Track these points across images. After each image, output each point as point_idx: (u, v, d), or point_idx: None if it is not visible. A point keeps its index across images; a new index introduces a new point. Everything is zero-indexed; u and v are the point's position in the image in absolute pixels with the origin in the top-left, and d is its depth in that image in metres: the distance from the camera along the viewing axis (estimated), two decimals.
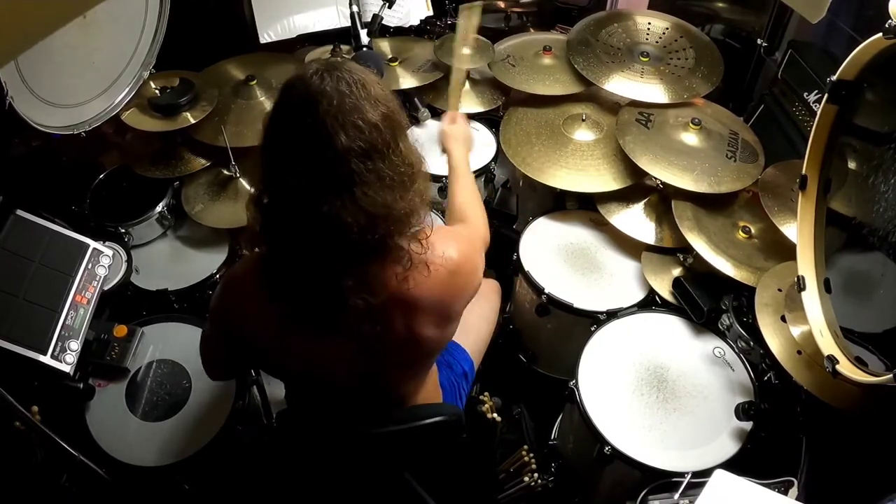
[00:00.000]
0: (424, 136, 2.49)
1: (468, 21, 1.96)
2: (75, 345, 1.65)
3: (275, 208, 1.09)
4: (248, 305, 1.19)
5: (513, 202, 2.61)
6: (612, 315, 1.92)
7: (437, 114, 2.54)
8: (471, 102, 2.51)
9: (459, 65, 1.87)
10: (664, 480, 1.54)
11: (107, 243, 1.91)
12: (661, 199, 2.11)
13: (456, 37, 1.91)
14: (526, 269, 2.06)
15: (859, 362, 1.39)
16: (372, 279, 1.09)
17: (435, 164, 2.29)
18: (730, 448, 1.59)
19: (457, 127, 1.75)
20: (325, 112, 0.99)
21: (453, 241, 1.23)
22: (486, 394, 1.90)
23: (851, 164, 1.60)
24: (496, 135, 2.44)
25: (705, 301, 1.83)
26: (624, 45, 2.41)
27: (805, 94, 2.11)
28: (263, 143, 1.08)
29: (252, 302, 1.17)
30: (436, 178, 2.31)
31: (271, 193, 1.09)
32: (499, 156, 2.41)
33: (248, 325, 1.22)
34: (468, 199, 1.55)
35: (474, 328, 1.78)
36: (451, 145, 1.68)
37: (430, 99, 2.51)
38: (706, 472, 1.44)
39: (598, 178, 2.15)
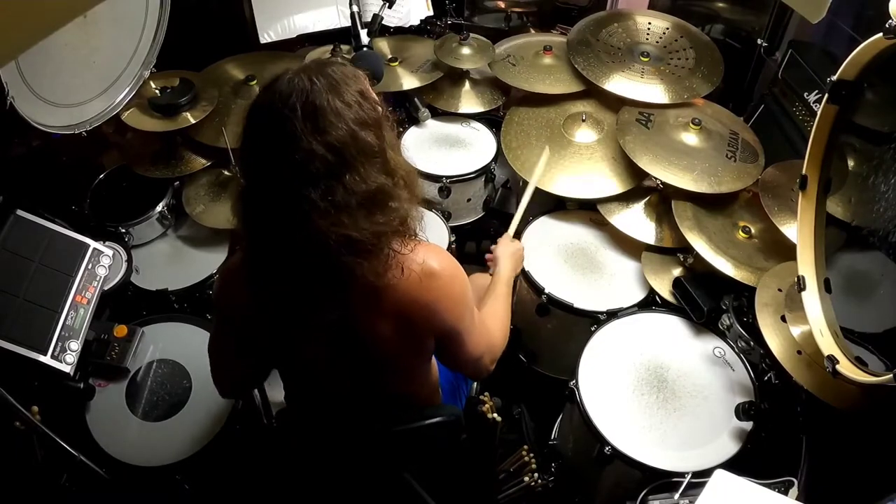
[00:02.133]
0: (424, 136, 2.50)
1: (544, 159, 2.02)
2: (75, 345, 1.65)
3: (243, 208, 1.12)
4: (237, 295, 1.21)
5: (513, 202, 2.62)
6: (612, 315, 1.92)
7: (436, 114, 2.55)
8: (471, 102, 2.51)
9: (530, 187, 1.96)
10: (664, 480, 1.54)
11: (107, 243, 1.91)
12: (661, 199, 2.11)
13: (539, 165, 1.99)
14: (526, 268, 2.06)
15: (859, 362, 1.39)
16: (331, 290, 1.10)
17: (432, 163, 2.34)
18: (730, 448, 1.59)
19: (514, 245, 1.76)
20: (266, 137, 1.01)
21: (437, 256, 1.20)
22: (486, 394, 1.90)
23: (851, 164, 1.60)
24: (496, 135, 2.44)
25: (705, 301, 1.83)
26: (624, 45, 2.41)
27: (805, 94, 2.11)
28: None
29: (241, 291, 1.19)
30: (435, 178, 2.31)
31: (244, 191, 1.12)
32: (499, 156, 2.41)
33: (244, 311, 1.24)
34: (496, 310, 1.52)
35: None
36: (502, 260, 1.68)
37: (429, 99, 2.51)
38: (706, 472, 1.44)
39: (598, 181, 2.16)
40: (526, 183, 2.21)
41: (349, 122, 1.00)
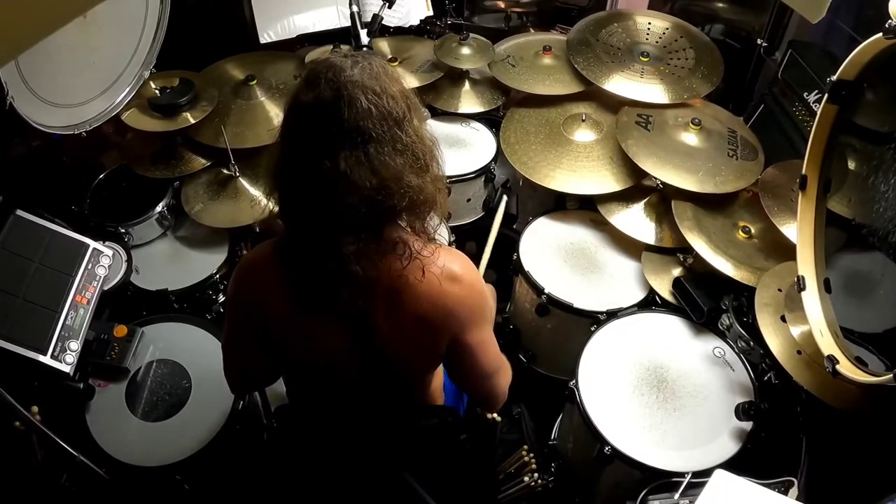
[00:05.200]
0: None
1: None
2: (75, 345, 1.65)
3: (291, 166, 1.10)
4: (260, 283, 1.21)
5: (513, 202, 2.62)
6: (612, 315, 1.92)
7: (436, 114, 2.55)
8: (471, 102, 2.51)
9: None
10: (664, 480, 1.55)
11: (107, 243, 1.91)
12: (661, 199, 2.11)
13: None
14: (526, 269, 2.07)
15: (859, 362, 1.39)
16: (372, 252, 1.09)
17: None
18: (730, 448, 1.59)
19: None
20: (347, 77, 1.03)
21: (459, 261, 1.20)
22: None
23: (851, 164, 1.60)
24: (496, 135, 2.44)
25: (705, 301, 1.83)
26: (624, 45, 2.41)
27: (805, 94, 2.11)
28: (289, 107, 1.10)
29: (265, 280, 1.19)
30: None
31: (289, 153, 1.10)
32: (499, 156, 2.41)
33: (261, 305, 1.23)
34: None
35: None
36: None
37: (430, 99, 2.51)
38: (706, 472, 1.44)
39: (598, 179, 2.16)
40: (527, 179, 2.21)
41: (398, 81, 1.09)
